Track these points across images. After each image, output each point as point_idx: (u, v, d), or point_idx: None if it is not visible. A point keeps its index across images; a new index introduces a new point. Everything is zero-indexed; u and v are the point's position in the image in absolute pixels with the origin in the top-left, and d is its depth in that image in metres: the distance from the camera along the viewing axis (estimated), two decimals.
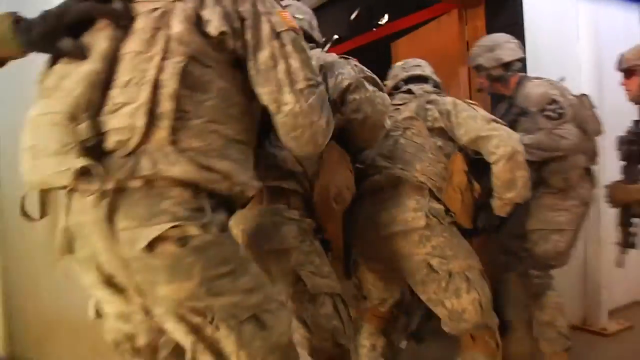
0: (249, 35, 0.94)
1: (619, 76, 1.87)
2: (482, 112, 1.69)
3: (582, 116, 1.99)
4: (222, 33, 0.91)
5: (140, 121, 0.85)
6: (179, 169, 0.87)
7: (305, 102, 0.97)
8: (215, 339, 0.91)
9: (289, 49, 0.96)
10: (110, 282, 0.91)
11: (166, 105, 0.87)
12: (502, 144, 1.58)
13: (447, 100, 1.76)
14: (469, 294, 1.51)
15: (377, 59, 2.63)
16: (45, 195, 0.93)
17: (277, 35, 0.95)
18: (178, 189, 0.87)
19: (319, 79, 1.03)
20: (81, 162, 0.82)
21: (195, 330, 0.90)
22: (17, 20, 0.92)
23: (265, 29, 0.95)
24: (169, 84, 0.87)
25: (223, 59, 0.94)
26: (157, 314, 0.92)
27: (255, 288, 0.97)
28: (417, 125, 1.72)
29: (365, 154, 1.67)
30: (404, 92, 1.89)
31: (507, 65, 2.08)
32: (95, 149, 0.84)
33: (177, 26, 0.90)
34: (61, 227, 0.89)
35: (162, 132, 0.87)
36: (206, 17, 0.92)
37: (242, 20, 0.94)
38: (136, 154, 0.85)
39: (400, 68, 2.02)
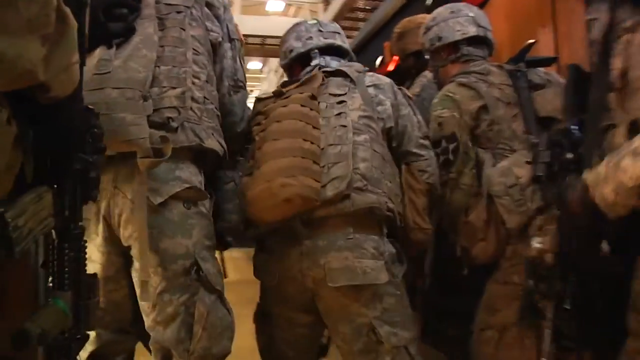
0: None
1: None
2: None
3: None
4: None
5: (188, 103, 1.17)
6: (211, 141, 1.21)
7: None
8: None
9: None
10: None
11: (197, 94, 1.21)
12: None
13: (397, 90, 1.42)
14: None
15: None
16: None
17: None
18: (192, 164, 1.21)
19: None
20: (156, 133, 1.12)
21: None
22: None
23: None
24: (201, 76, 1.25)
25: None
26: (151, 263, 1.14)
27: (220, 273, 1.25)
28: (374, 128, 1.33)
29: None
30: (325, 71, 1.42)
31: None
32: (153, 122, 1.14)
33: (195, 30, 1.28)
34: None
35: (196, 112, 1.20)
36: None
37: None
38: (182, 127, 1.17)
39: (316, 30, 1.52)
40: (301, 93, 1.32)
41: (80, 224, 0.91)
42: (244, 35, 1.62)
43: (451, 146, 1.42)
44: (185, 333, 1.15)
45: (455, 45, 1.64)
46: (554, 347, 1.07)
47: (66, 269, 0.87)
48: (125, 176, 1.16)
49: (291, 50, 1.53)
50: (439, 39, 1.66)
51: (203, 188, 1.24)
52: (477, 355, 1.40)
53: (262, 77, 13.74)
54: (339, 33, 1.58)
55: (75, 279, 0.88)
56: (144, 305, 1.21)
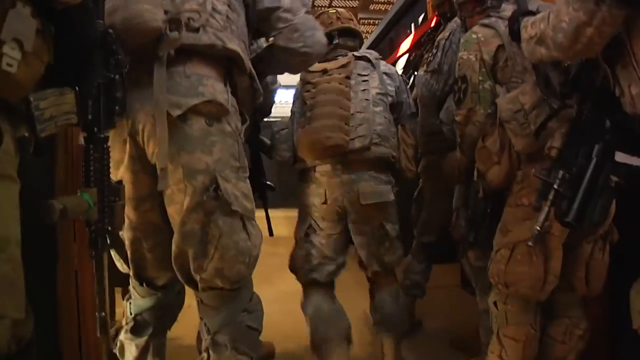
0: None
1: None
2: None
3: None
4: None
5: (208, 8, 1.18)
6: (233, 45, 1.20)
7: None
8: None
9: None
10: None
11: (220, 7, 1.22)
12: None
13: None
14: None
15: None
16: None
17: None
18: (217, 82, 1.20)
19: None
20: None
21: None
22: None
23: None
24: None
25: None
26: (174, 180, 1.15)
27: (248, 197, 1.22)
28: (385, 101, 1.85)
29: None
30: (355, 55, 1.88)
31: None
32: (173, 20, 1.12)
33: None
34: None
35: (219, 21, 1.21)
36: None
37: None
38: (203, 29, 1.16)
39: (335, 14, 1.97)
40: (340, 74, 1.79)
41: (105, 133, 1.01)
42: None
43: (463, 86, 1.56)
44: (201, 252, 1.16)
45: None
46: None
47: (91, 169, 0.98)
48: (147, 91, 1.13)
49: None
50: None
51: (229, 106, 1.21)
52: (490, 273, 1.45)
53: None
54: (352, 19, 2.01)
55: (99, 178, 0.99)
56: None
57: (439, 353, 2.17)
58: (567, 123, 1.24)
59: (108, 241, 1.02)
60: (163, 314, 1.41)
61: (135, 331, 1.39)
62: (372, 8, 6.22)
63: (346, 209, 1.76)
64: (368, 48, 5.93)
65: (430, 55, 2.15)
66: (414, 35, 4.01)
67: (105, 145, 1.00)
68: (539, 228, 1.13)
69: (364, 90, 1.80)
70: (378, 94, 1.82)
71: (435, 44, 2.15)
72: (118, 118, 1.05)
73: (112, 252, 1.33)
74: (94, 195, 0.96)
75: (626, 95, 1.06)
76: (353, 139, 1.71)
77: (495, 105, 1.46)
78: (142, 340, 1.39)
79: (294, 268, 1.85)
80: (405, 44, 4.28)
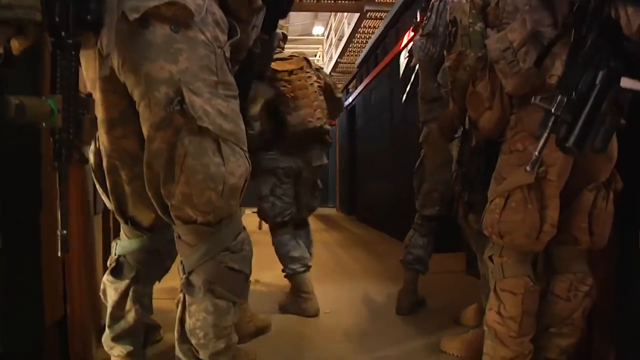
0: None
1: None
2: None
3: None
4: None
5: None
6: None
7: None
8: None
9: None
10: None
11: None
12: None
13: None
14: None
15: None
16: None
17: None
18: None
19: None
20: None
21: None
22: None
23: None
24: None
25: None
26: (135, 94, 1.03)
27: (229, 117, 1.08)
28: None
29: None
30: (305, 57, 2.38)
31: None
32: None
33: None
34: None
35: None
36: None
37: None
38: None
39: None
40: (307, 73, 2.32)
41: (73, 39, 0.96)
42: None
43: (453, 29, 1.51)
44: (170, 175, 1.05)
45: None
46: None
47: (58, 75, 0.93)
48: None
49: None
50: None
51: (203, 11, 1.07)
52: (484, 224, 1.36)
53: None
54: None
55: (65, 85, 0.94)
56: None
57: (440, 326, 2.10)
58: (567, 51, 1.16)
59: (73, 155, 0.96)
60: (149, 260, 1.34)
61: (115, 273, 1.33)
62: (378, 0, 6.19)
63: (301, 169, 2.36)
64: (375, 42, 5.98)
65: (425, 18, 2.10)
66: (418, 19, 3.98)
67: (73, 53, 0.95)
68: (537, 154, 1.05)
69: (312, 84, 2.32)
70: (318, 86, 2.35)
71: (430, 6, 2.10)
72: (93, 32, 1.00)
73: (96, 184, 1.29)
74: (59, 102, 0.91)
75: (622, 17, 1.01)
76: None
77: (486, 48, 1.38)
78: (122, 284, 1.33)
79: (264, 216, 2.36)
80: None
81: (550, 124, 1.08)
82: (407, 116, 4.46)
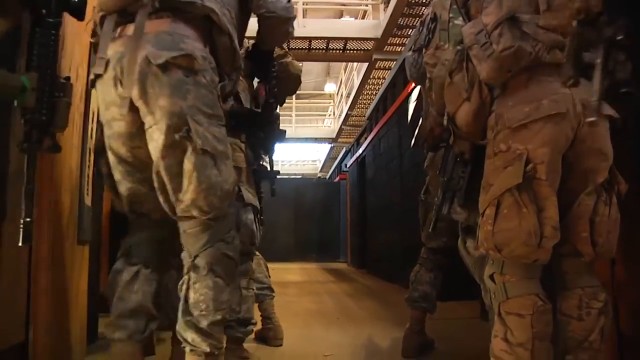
0: None
1: None
2: None
3: None
4: None
5: None
6: (210, 3, 1.33)
7: None
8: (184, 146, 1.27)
9: None
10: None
11: None
12: None
13: None
14: None
15: None
16: None
17: None
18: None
19: None
20: None
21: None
22: None
23: None
24: None
25: None
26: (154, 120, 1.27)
27: (221, 140, 1.34)
28: None
29: None
30: None
31: None
32: None
33: None
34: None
35: None
36: None
37: None
38: None
39: None
40: None
41: (55, 19, 0.93)
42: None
43: (432, 26, 1.51)
44: (178, 185, 1.30)
45: None
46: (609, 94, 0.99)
47: (35, 52, 0.89)
48: (134, 42, 1.26)
49: None
50: None
51: (206, 62, 1.35)
52: (479, 241, 1.24)
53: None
54: None
55: (42, 65, 0.90)
56: None
57: None
58: None
59: (45, 141, 0.90)
60: (158, 247, 1.47)
61: (127, 259, 1.44)
62: (386, 49, 6.35)
63: None
64: (384, 91, 6.08)
65: (417, 33, 2.04)
66: None
67: (54, 32, 0.92)
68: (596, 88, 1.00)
69: None
70: None
71: (422, 20, 2.00)
72: (76, 16, 0.98)
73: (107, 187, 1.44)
74: (33, 80, 0.87)
75: None
76: None
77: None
78: (132, 268, 1.43)
79: None
80: None
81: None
82: (416, 160, 4.40)
